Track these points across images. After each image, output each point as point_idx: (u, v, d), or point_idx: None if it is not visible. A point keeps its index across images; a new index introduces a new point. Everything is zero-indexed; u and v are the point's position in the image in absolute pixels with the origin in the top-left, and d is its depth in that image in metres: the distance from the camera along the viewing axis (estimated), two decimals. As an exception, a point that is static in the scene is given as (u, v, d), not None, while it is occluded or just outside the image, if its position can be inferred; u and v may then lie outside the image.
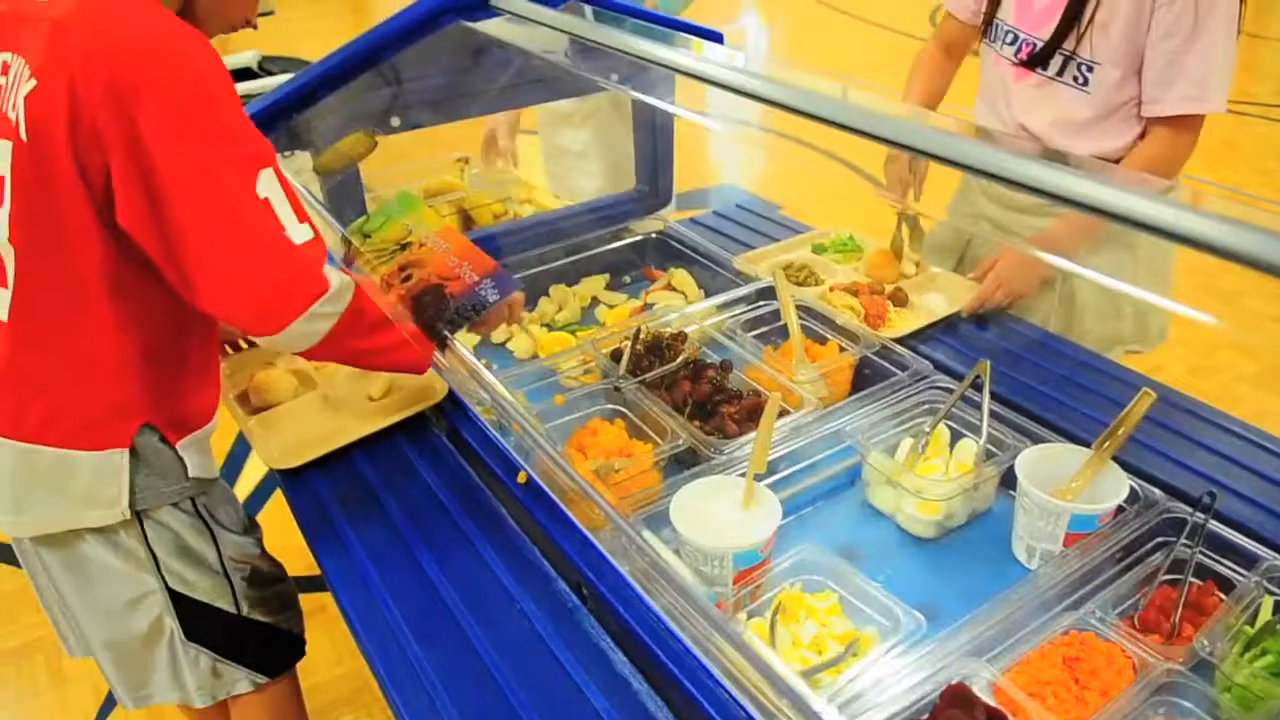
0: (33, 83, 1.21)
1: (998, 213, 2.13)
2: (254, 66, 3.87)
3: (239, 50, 4.05)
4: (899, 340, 1.76)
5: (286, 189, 1.25)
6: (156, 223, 1.21)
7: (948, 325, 1.92)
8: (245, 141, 1.24)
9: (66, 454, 1.34)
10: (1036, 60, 1.88)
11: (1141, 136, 1.87)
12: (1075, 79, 1.86)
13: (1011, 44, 1.95)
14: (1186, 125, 1.81)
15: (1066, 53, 1.85)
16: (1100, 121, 1.87)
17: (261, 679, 1.64)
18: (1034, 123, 1.95)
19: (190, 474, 1.44)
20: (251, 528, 1.63)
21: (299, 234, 1.25)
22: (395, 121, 1.90)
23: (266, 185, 1.22)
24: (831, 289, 2.00)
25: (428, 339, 1.44)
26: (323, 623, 2.50)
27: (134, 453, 1.37)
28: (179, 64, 1.19)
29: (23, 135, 1.22)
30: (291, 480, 1.59)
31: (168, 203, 1.20)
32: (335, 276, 1.29)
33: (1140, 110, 1.84)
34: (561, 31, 1.55)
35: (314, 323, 1.27)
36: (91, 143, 1.19)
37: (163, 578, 1.48)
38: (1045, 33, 1.86)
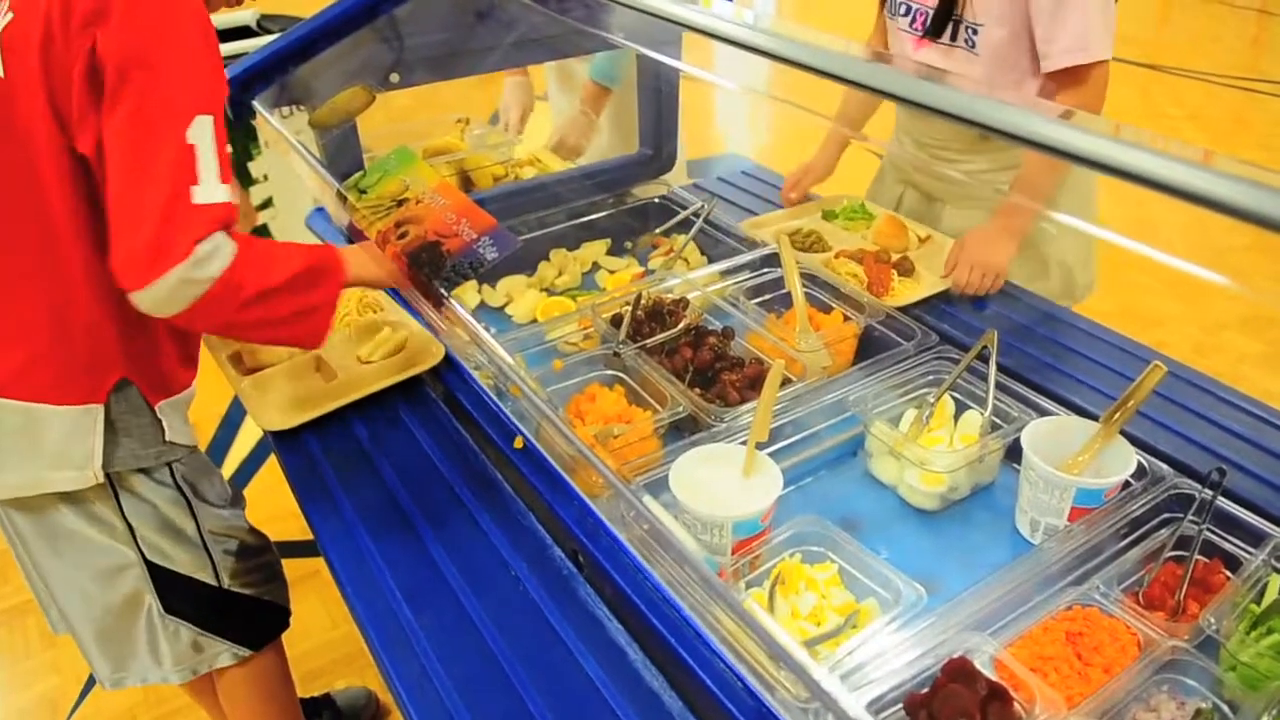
0: (10, 15, 1.18)
1: (918, 179, 2.20)
2: (252, 24, 3.81)
3: (237, 8, 3.98)
4: (903, 309, 1.73)
5: (220, 145, 1.17)
6: (99, 148, 1.16)
7: (954, 296, 1.89)
8: (195, 81, 1.16)
9: (36, 408, 1.30)
10: (934, 29, 1.91)
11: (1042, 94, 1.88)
12: (966, 42, 1.88)
13: (905, 15, 1.98)
14: (1079, 77, 1.81)
15: (957, 17, 1.87)
16: (991, 81, 1.88)
17: (245, 651, 1.62)
18: None
19: (168, 438, 1.41)
20: (236, 500, 1.61)
21: (210, 193, 1.15)
22: (395, 78, 1.85)
23: (199, 132, 1.14)
24: (837, 255, 1.97)
25: (327, 312, 1.32)
26: (316, 587, 2.49)
27: (109, 409, 1.34)
28: None
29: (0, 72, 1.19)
30: (285, 442, 1.57)
31: (106, 124, 1.14)
32: (215, 244, 1.15)
33: (1037, 70, 1.85)
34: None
35: (183, 288, 1.13)
36: (64, 76, 1.15)
37: (140, 550, 1.45)
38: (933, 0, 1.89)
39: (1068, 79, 1.81)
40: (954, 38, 1.89)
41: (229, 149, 1.22)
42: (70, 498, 1.39)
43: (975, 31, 1.85)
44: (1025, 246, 2.04)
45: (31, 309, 1.28)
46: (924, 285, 1.90)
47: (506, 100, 2.83)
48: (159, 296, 1.13)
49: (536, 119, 2.87)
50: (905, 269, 1.93)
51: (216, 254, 1.14)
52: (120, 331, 1.32)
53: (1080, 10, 1.74)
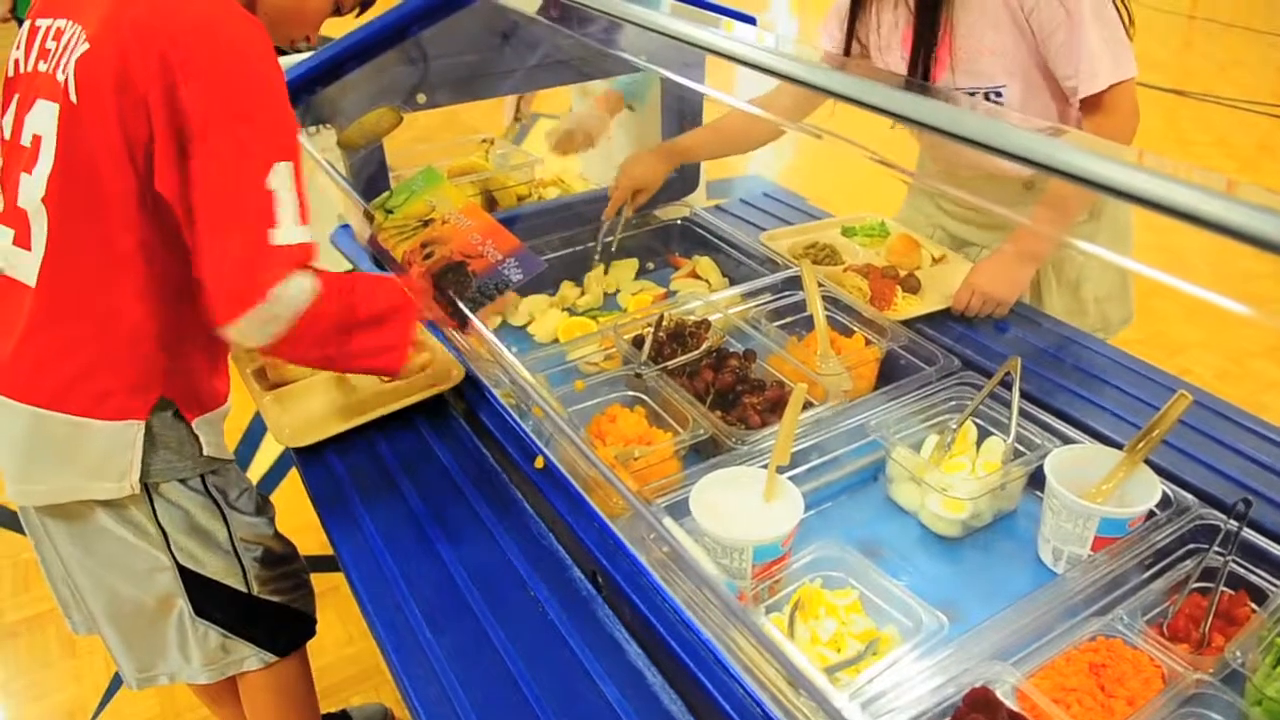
0: (86, 46, 1.23)
1: (951, 224, 2.17)
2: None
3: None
4: (924, 334, 1.73)
5: (298, 189, 1.24)
6: (183, 191, 1.23)
7: (976, 321, 1.88)
8: (274, 131, 1.24)
9: (81, 421, 1.33)
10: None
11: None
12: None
13: None
14: (1110, 103, 1.80)
15: (962, 89, 1.86)
16: None
17: (271, 657, 1.63)
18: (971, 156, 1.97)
19: (205, 452, 1.44)
20: (264, 508, 1.62)
21: (289, 235, 1.22)
22: (421, 98, 1.87)
23: (279, 179, 1.22)
24: (845, 269, 1.99)
25: (405, 340, 1.40)
26: (334, 602, 2.49)
27: (150, 425, 1.37)
28: (230, 43, 1.22)
29: (72, 98, 1.23)
30: (307, 458, 1.58)
31: (191, 171, 1.21)
32: (292, 284, 1.22)
33: (1071, 102, 1.84)
34: (593, 10, 1.53)
35: (266, 324, 1.23)
36: (139, 112, 1.20)
37: (173, 554, 1.47)
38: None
39: (1094, 106, 1.80)
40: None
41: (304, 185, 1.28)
42: (106, 502, 1.42)
43: (999, 95, 1.84)
44: (1062, 285, 2.06)
45: (84, 325, 1.32)
46: (927, 302, 1.92)
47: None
48: (245, 331, 1.23)
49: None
50: (911, 286, 1.95)
51: (295, 294, 1.23)
52: (163, 350, 1.36)
53: (1087, 40, 1.74)
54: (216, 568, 1.52)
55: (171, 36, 1.19)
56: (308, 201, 1.26)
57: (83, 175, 1.26)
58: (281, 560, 1.63)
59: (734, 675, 1.06)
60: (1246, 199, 0.72)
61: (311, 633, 1.73)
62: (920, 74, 1.87)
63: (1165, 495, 1.30)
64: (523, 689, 1.15)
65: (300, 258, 1.24)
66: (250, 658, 1.62)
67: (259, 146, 1.22)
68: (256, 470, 3.14)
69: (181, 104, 1.19)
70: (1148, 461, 1.32)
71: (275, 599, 1.62)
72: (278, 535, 1.64)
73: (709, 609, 1.10)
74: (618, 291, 2.11)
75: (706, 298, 1.84)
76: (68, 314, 1.31)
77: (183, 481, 1.45)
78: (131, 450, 1.36)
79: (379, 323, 1.36)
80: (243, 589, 1.56)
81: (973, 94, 1.86)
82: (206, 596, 1.53)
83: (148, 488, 1.41)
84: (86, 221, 1.27)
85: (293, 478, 3.02)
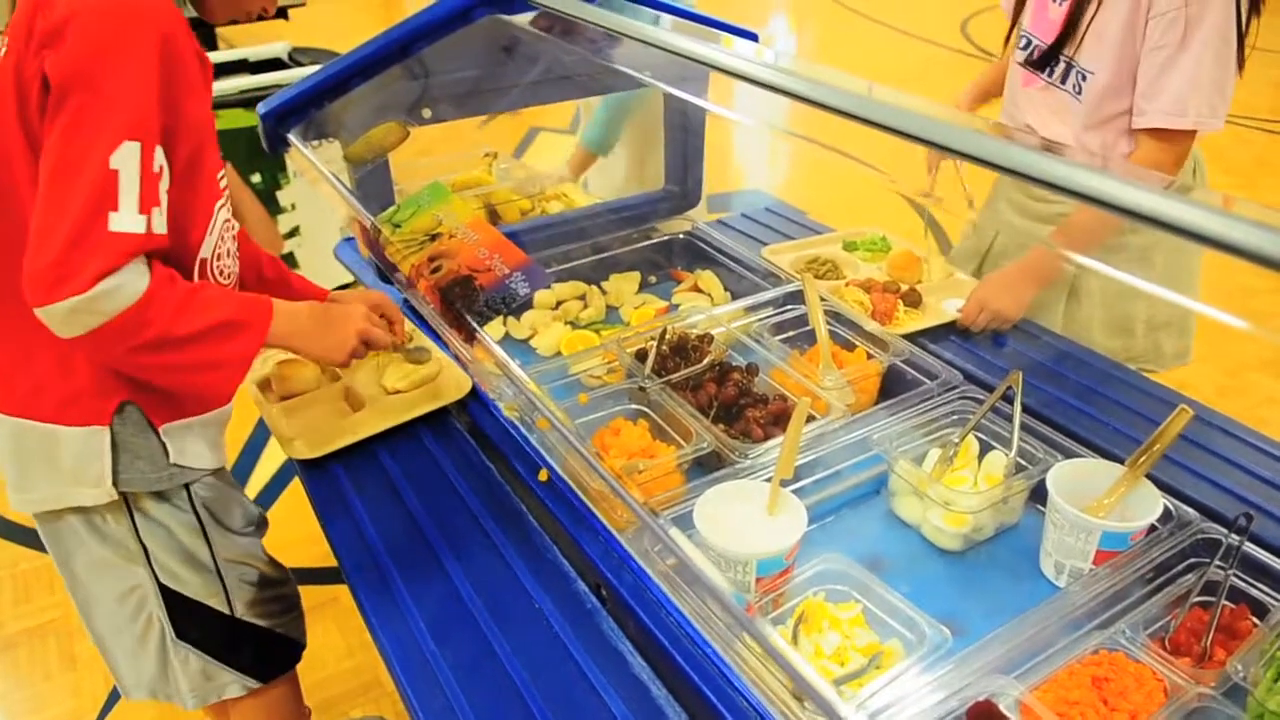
0: (2, 51, 1.21)
1: (1017, 221, 2.14)
2: (284, 57, 3.89)
3: (270, 41, 4.07)
4: (926, 348, 1.74)
5: (146, 174, 1.13)
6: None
7: (977, 335, 1.90)
8: (130, 106, 1.12)
9: (51, 429, 1.32)
10: (1039, 63, 1.92)
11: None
12: (1074, 88, 1.88)
13: (1025, 49, 1.98)
14: (1170, 140, 1.78)
15: (1068, 59, 1.86)
16: (1088, 132, 1.88)
17: (253, 683, 1.61)
18: (1035, 127, 1.99)
19: (172, 459, 1.39)
20: (259, 527, 1.61)
21: (127, 222, 1.11)
22: (426, 113, 1.89)
23: (125, 158, 1.11)
24: (847, 284, 2.01)
25: (235, 370, 1.29)
26: (334, 615, 2.49)
27: (114, 432, 1.34)
28: (114, 14, 1.13)
29: None
30: (311, 470, 1.59)
31: (43, 141, 1.14)
32: (122, 278, 1.11)
33: (1130, 125, 1.83)
34: (596, 26, 1.54)
35: (77, 316, 1.11)
36: (29, 103, 1.16)
37: (154, 572, 1.46)
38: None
39: (1152, 136, 1.79)
40: (1064, 80, 1.89)
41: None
42: (89, 520, 1.41)
43: (1084, 78, 1.85)
44: (1109, 299, 2.02)
45: (34, 333, 1.21)
46: (929, 316, 1.94)
47: None
48: (54, 318, 1.12)
49: (564, 149, 2.91)
50: (913, 300, 1.97)
51: (121, 290, 1.12)
52: None
53: (1188, 72, 1.71)
54: (197, 587, 1.50)
55: (60, 14, 1.12)
56: (159, 191, 1.16)
57: (3, 183, 1.23)
58: (270, 583, 1.62)
59: (739, 688, 1.06)
60: (1244, 215, 0.73)
61: (296, 659, 1.71)
62: (1064, 34, 1.85)
63: (1167, 509, 1.31)
64: (527, 701, 1.15)
65: (134, 249, 1.12)
66: (232, 684, 1.60)
67: (109, 120, 1.11)
68: (257, 481, 3.14)
69: (48, 72, 1.12)
70: (1149, 476, 1.33)
71: (261, 623, 1.59)
72: (269, 559, 1.63)
73: (714, 621, 1.11)
74: (620, 304, 2.11)
75: (709, 311, 1.84)
76: (18, 322, 1.26)
77: (166, 499, 1.42)
78: (102, 457, 1.34)
79: (206, 339, 1.22)
80: (225, 610, 1.54)
81: (1070, 66, 1.86)
82: (186, 618, 1.51)
83: (128, 500, 1.40)
84: (12, 228, 1.23)
85: (294, 489, 3.02)
